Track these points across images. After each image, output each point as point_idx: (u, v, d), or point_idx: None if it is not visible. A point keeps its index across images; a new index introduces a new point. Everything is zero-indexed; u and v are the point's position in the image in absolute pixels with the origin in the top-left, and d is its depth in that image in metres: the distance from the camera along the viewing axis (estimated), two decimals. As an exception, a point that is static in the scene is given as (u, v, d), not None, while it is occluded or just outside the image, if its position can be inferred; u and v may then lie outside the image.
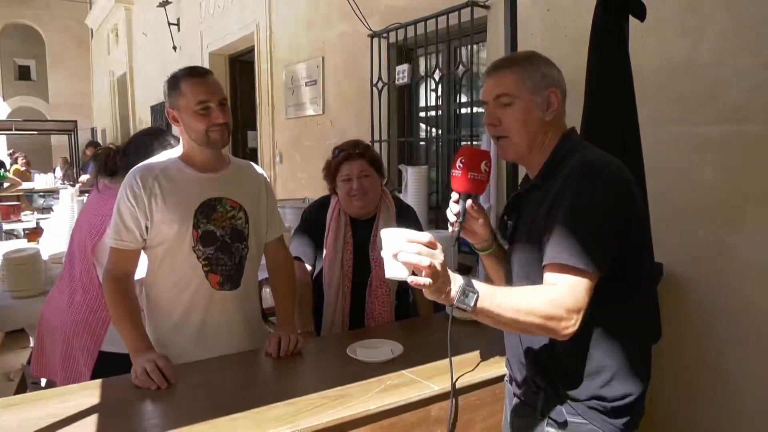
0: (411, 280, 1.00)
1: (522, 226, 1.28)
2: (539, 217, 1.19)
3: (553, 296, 1.06)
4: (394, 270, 1.02)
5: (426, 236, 1.00)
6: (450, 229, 1.30)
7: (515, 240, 1.30)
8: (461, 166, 1.28)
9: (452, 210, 1.29)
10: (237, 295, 1.76)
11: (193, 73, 1.66)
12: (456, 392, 1.48)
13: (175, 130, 1.75)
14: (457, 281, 1.03)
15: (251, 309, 1.86)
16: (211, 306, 1.72)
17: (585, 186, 1.12)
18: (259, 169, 1.92)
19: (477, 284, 1.03)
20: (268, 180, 1.94)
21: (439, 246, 1.01)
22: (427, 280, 0.98)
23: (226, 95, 1.69)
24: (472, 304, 1.01)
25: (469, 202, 1.28)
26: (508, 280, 1.32)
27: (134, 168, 1.72)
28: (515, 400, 1.34)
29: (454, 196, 1.29)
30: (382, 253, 1.04)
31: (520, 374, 1.30)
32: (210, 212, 1.70)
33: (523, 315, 1.04)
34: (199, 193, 1.70)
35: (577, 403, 1.18)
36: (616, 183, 1.13)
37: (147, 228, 1.66)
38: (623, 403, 1.17)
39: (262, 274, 1.95)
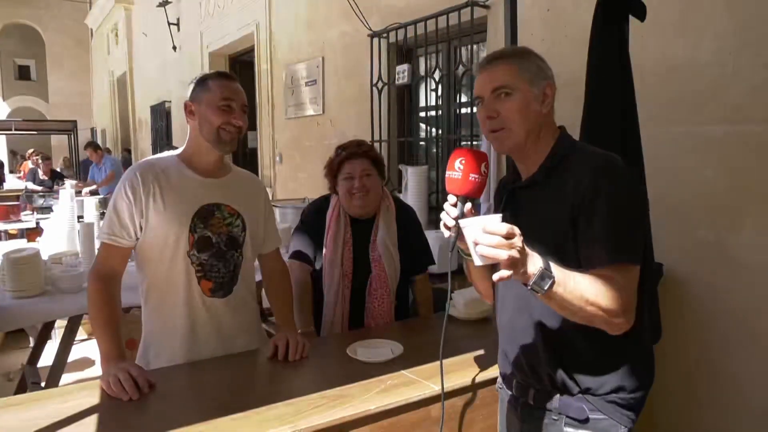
0: (495, 277, 1.01)
1: (524, 223, 1.22)
2: (550, 215, 1.19)
3: (614, 292, 1.09)
4: (476, 260, 1.03)
5: (503, 227, 0.99)
6: (446, 233, 1.19)
7: None
8: (461, 167, 1.20)
9: (450, 213, 1.18)
10: (228, 303, 1.73)
11: (223, 75, 1.71)
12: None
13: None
14: (536, 263, 1.03)
15: (246, 316, 1.82)
16: (201, 312, 1.69)
17: (620, 184, 1.15)
18: (260, 181, 1.94)
19: (554, 268, 1.04)
20: (267, 193, 1.94)
21: (517, 232, 1.01)
22: (507, 273, 0.99)
23: (247, 104, 1.72)
24: (546, 288, 1.03)
25: (468, 205, 1.18)
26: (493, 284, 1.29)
27: (135, 164, 1.72)
28: (522, 406, 1.32)
29: (451, 199, 1.20)
30: (468, 242, 1.05)
31: (530, 378, 1.29)
32: (208, 217, 1.68)
33: (589, 305, 1.07)
34: (198, 196, 1.68)
35: (596, 397, 1.21)
36: (636, 180, 1.18)
37: (141, 227, 1.64)
38: (635, 396, 1.22)
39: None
